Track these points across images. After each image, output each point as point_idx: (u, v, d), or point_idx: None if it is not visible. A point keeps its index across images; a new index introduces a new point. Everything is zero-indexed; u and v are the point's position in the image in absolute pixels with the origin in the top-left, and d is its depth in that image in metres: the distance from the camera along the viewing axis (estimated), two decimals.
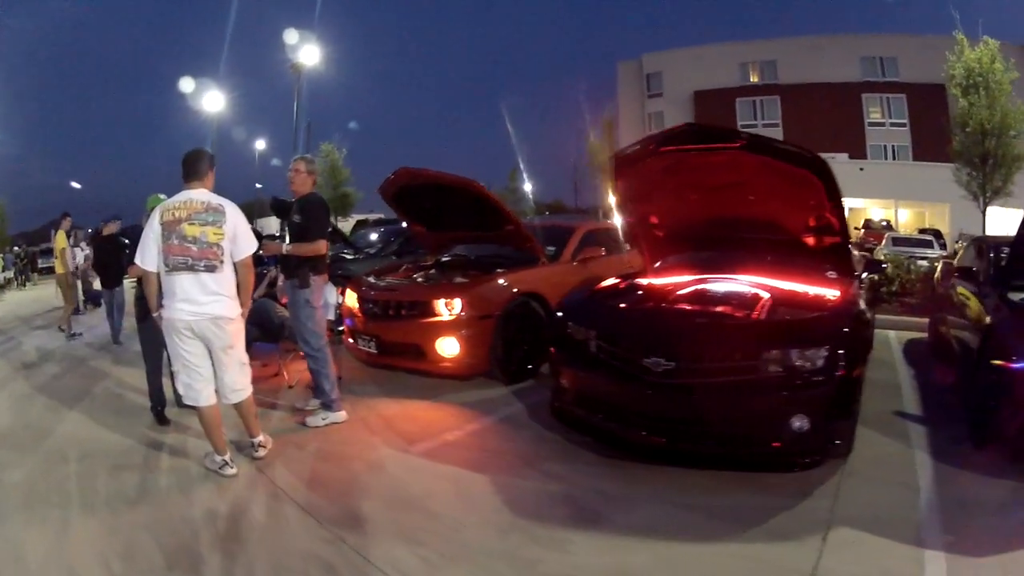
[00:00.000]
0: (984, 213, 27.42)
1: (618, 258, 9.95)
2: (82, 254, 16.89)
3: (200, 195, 5.24)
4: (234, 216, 5.26)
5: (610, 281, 7.04)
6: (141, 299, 6.51)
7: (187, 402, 5.35)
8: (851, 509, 4.36)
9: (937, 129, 45.41)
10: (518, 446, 5.82)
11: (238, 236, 5.28)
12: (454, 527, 4.42)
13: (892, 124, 51.77)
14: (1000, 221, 27.82)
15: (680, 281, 6.51)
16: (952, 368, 7.28)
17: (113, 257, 11.58)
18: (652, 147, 6.09)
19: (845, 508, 4.38)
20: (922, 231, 35.25)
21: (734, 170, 5.99)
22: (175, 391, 6.74)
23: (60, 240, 13.71)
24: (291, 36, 24.38)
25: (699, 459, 4.89)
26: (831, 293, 5.71)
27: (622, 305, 6.03)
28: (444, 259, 9.94)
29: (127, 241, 11.09)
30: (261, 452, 5.68)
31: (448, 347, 7.43)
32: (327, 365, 6.51)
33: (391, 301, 7.95)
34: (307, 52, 24.89)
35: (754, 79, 56.27)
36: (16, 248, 37.47)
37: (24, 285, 31.40)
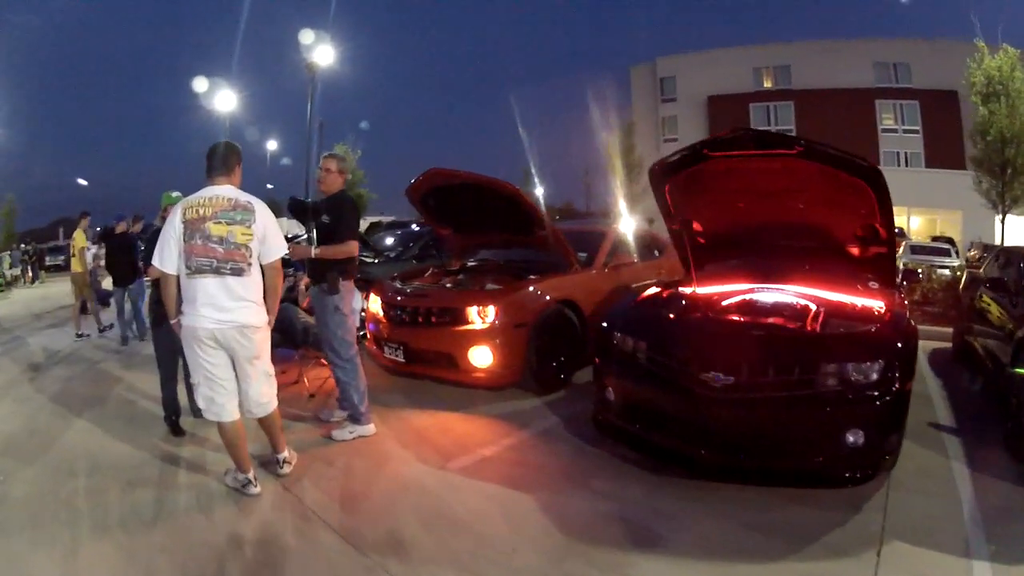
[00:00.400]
0: (1003, 222, 27.16)
1: (649, 264, 9.83)
2: (90, 253, 16.56)
3: (227, 191, 4.80)
4: (264, 215, 4.84)
5: (654, 290, 6.79)
6: (157, 303, 6.12)
7: (209, 417, 4.91)
8: (900, 522, 4.36)
9: (950, 136, 45.65)
10: (560, 461, 5.55)
11: (268, 237, 4.85)
12: (506, 551, 4.12)
13: (905, 130, 51.29)
14: (1014, 229, 27.55)
15: (726, 291, 6.33)
16: (980, 378, 7.48)
17: (125, 256, 11.63)
18: (705, 152, 5.91)
19: (895, 521, 4.37)
20: (935, 239, 34.87)
21: (786, 177, 5.82)
22: (190, 400, 6.40)
23: (79, 239, 13.29)
24: (306, 36, 24.18)
25: (748, 474, 4.75)
26: (879, 304, 5.61)
27: (673, 316, 5.75)
28: (470, 264, 9.60)
29: (140, 240, 11.22)
30: (286, 469, 5.29)
31: (481, 356, 7.10)
32: (357, 376, 6.16)
33: (420, 307, 7.57)
34: (321, 52, 24.66)
35: (768, 84, 55.82)
36: (24, 245, 37.19)
37: (32, 283, 31.07)
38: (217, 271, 4.63)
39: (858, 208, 5.84)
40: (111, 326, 12.69)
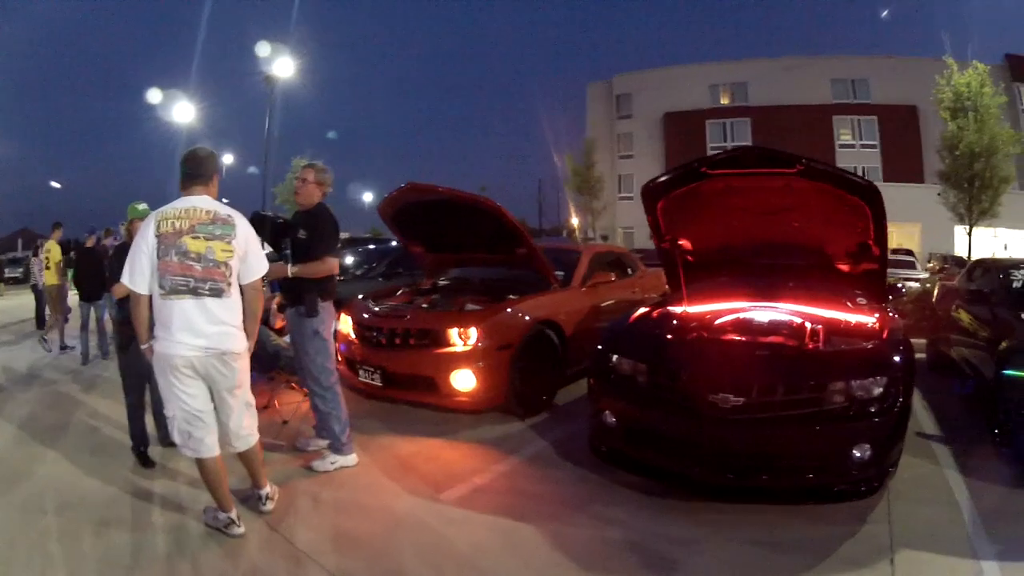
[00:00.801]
0: (970, 234, 27.71)
1: (625, 282, 9.86)
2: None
3: (205, 203, 4.45)
4: (245, 230, 4.52)
5: (646, 309, 6.65)
6: (124, 324, 5.83)
7: (186, 453, 4.55)
8: (906, 531, 4.49)
9: (909, 150, 46.42)
10: (557, 488, 5.41)
11: (249, 254, 4.51)
12: None
13: (863, 145, 52.43)
14: (977, 241, 28.16)
15: (719, 309, 6.21)
16: (960, 386, 7.81)
17: (95, 270, 11.24)
18: (703, 170, 5.91)
19: (900, 530, 4.49)
20: (894, 251, 35.36)
21: (782, 195, 5.88)
22: (158, 428, 6.17)
23: (54, 251, 13.12)
24: (263, 48, 23.90)
25: (757, 493, 4.81)
26: (873, 320, 5.67)
27: (672, 336, 5.64)
28: (443, 283, 9.39)
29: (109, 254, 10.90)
30: (269, 505, 4.98)
31: (464, 380, 6.88)
32: (338, 405, 5.88)
33: (398, 329, 7.31)
34: (281, 64, 24.43)
35: (724, 101, 56.58)
36: None
37: None
38: (195, 291, 4.27)
39: (854, 225, 5.93)
40: (73, 347, 12.23)
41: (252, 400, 4.73)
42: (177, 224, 4.29)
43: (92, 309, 11.62)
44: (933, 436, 6.55)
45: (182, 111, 27.50)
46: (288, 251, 5.76)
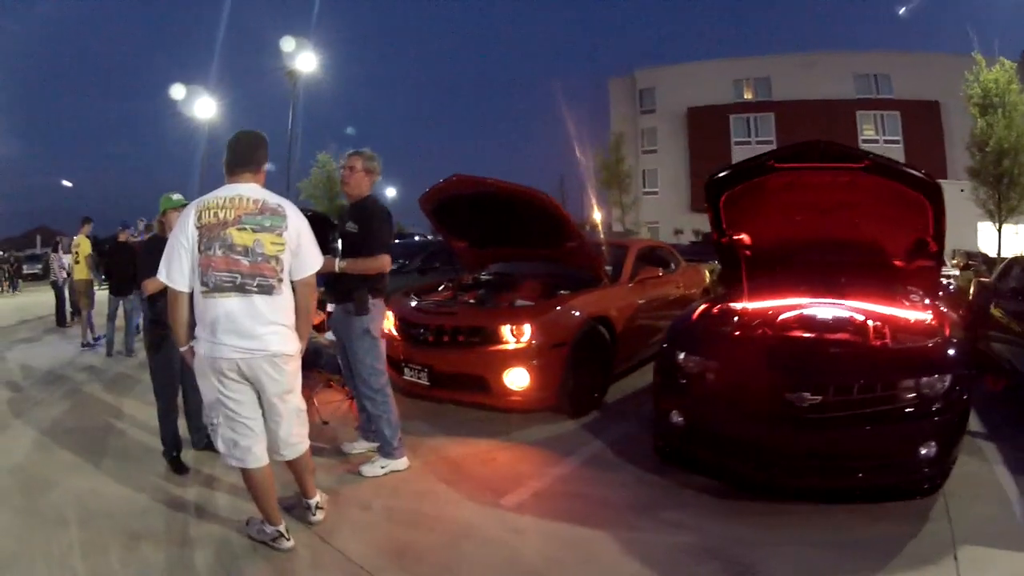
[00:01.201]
0: (1000, 231, 27.25)
1: (671, 277, 9.67)
2: (66, 259, 16.06)
3: (252, 191, 3.99)
4: (297, 221, 4.05)
5: (709, 306, 6.39)
6: (155, 323, 5.40)
7: (231, 463, 4.10)
8: (965, 527, 4.40)
9: (931, 145, 46.02)
10: (620, 492, 5.12)
11: (302, 247, 4.05)
12: None
13: (886, 141, 51.03)
14: (1006, 239, 27.82)
15: (782, 306, 6.05)
16: (992, 383, 7.64)
17: (126, 265, 11.10)
18: (771, 163, 5.84)
19: (960, 527, 4.41)
20: None
21: (845, 190, 5.85)
22: (190, 430, 5.76)
23: (84, 245, 12.79)
24: (287, 43, 23.70)
25: (827, 493, 4.72)
26: (932, 317, 5.54)
27: (741, 334, 5.54)
28: (485, 278, 9.02)
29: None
30: (319, 516, 4.53)
31: (517, 379, 6.53)
32: (389, 408, 5.52)
33: (446, 326, 6.92)
34: (303, 59, 24.20)
35: (748, 96, 55.88)
36: (2, 253, 36.05)
37: (13, 291, 29.88)
38: (242, 288, 3.84)
39: (914, 222, 5.89)
40: (99, 338, 12.06)
41: (303, 405, 4.28)
42: (221, 214, 3.85)
43: (121, 303, 11.47)
44: (979, 433, 6.34)
45: (201, 107, 27.18)
46: (336, 245, 5.34)
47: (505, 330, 6.57)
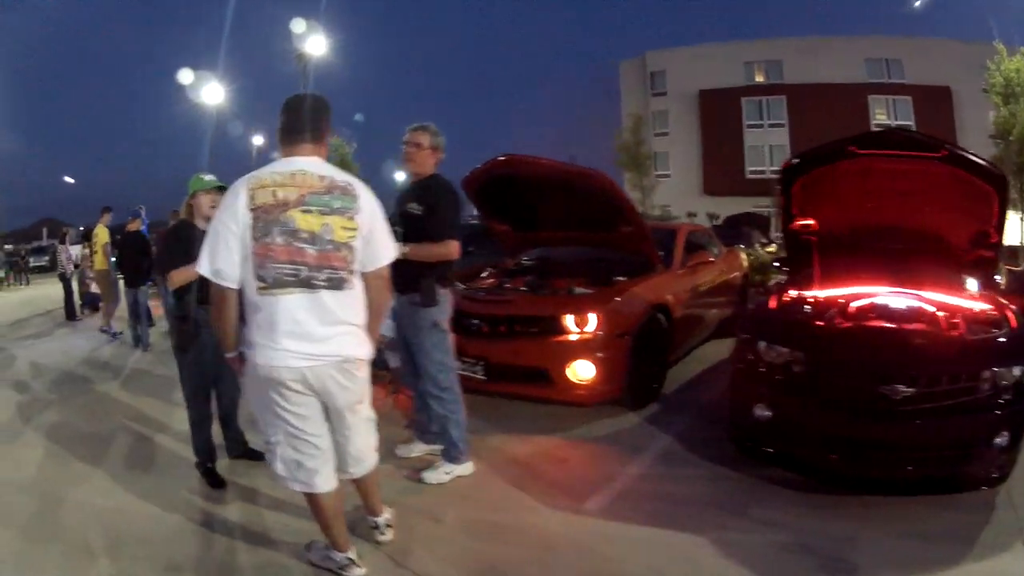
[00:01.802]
0: (1022, 220, 26.87)
1: (717, 262, 9.38)
2: (75, 250, 16.10)
3: (317, 166, 3.34)
4: (370, 202, 3.41)
5: (783, 293, 6.21)
6: (184, 320, 4.80)
7: (294, 487, 3.46)
8: None
9: (942, 131, 45.96)
10: (701, 490, 4.88)
11: (375, 233, 3.42)
12: None
13: (898, 125, 50.29)
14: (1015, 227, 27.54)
15: (854, 294, 5.88)
16: None
17: (138, 255, 11.11)
18: (851, 149, 5.79)
19: None
20: None
21: (918, 179, 5.81)
22: (225, 437, 5.21)
23: (102, 235, 12.29)
24: (298, 25, 23.21)
25: (911, 485, 4.67)
26: (996, 307, 5.52)
27: (831, 324, 5.28)
28: (527, 263, 8.57)
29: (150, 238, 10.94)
30: (389, 535, 3.93)
31: (582, 371, 6.07)
32: (459, 407, 5.02)
33: (503, 316, 6.43)
34: (314, 42, 23.66)
35: (759, 79, 55.63)
36: (8, 246, 35.72)
37: (24, 284, 29.67)
38: (307, 283, 3.19)
39: (980, 213, 5.90)
40: (121, 333, 11.73)
41: (374, 415, 3.66)
42: (281, 194, 3.18)
43: (137, 295, 11.04)
44: None
45: (209, 92, 26.65)
46: (398, 228, 4.69)
47: (569, 319, 6.13)
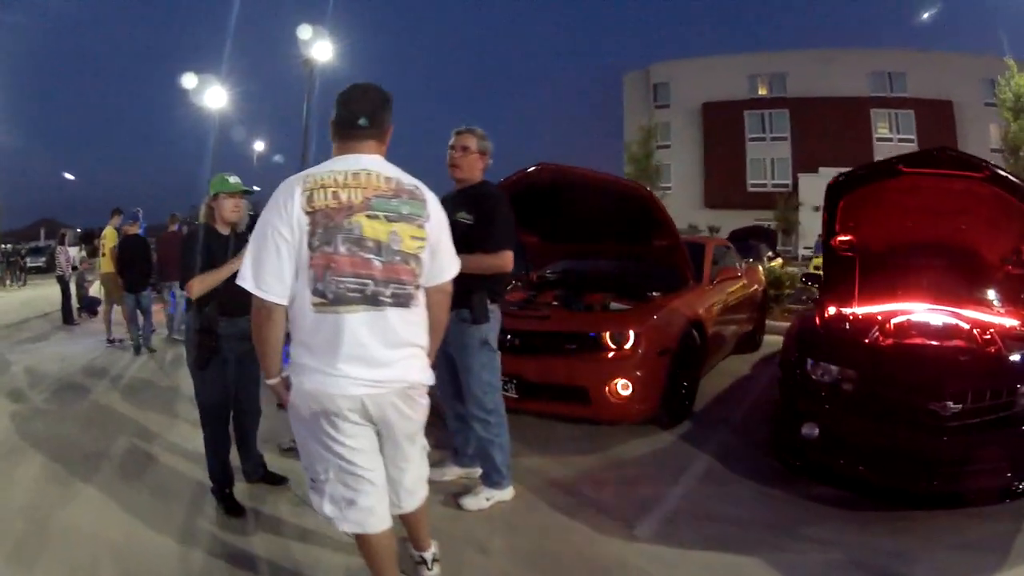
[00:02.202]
0: None
1: (742, 277, 9.39)
2: (72, 251, 15.77)
3: (381, 165, 2.94)
4: (438, 209, 3.05)
5: (824, 309, 6.20)
6: (204, 332, 4.38)
7: (345, 528, 3.01)
8: None
9: (945, 144, 46.16)
10: (750, 511, 4.73)
11: (442, 244, 3.06)
12: None
13: (900, 139, 51.55)
14: None
15: (893, 311, 6.01)
16: None
17: (140, 258, 11.01)
18: (899, 167, 5.85)
19: None
20: None
21: (960, 197, 5.89)
22: (243, 459, 4.85)
23: (111, 237, 11.95)
24: (304, 31, 22.94)
25: (957, 498, 4.68)
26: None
27: (878, 341, 5.32)
28: (551, 276, 8.36)
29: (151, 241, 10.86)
30: (436, 569, 3.52)
31: (622, 389, 5.82)
32: (503, 431, 4.71)
33: (537, 332, 6.15)
34: (319, 47, 23.37)
35: (763, 91, 56.01)
36: (6, 246, 35.35)
37: (22, 285, 29.05)
38: (373, 300, 2.78)
39: (1016, 231, 5.99)
40: (121, 340, 11.44)
41: (427, 444, 3.27)
42: (344, 195, 2.77)
43: (139, 300, 10.97)
44: None
45: (212, 96, 26.34)
46: None
47: (609, 336, 5.90)
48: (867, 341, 5.28)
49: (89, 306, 14.85)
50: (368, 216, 2.76)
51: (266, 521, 4.36)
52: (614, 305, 6.59)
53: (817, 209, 27.21)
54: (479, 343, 4.49)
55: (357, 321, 2.75)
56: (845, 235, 6.56)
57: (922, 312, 5.83)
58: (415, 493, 3.18)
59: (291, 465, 4.99)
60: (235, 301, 3.81)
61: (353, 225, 2.73)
